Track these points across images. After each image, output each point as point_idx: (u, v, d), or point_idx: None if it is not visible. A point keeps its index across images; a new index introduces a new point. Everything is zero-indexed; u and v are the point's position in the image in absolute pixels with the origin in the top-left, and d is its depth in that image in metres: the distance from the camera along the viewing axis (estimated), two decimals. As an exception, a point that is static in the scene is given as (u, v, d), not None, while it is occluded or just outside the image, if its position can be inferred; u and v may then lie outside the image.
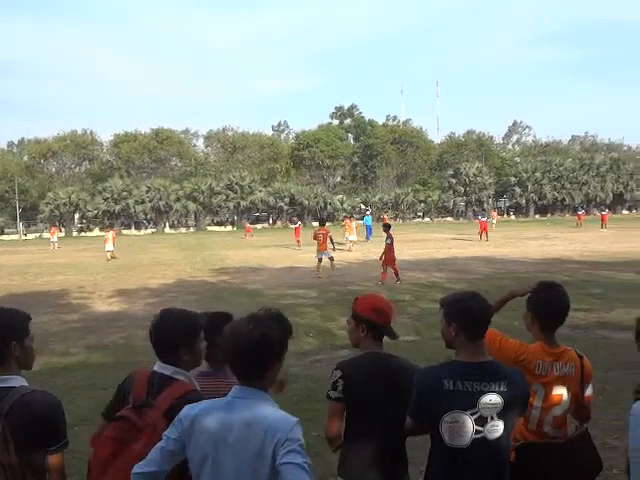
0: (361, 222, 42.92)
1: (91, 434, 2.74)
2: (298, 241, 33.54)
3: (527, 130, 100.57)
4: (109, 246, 29.15)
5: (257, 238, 44.32)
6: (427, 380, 2.77)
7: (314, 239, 21.12)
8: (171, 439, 2.27)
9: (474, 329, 2.77)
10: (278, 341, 2.30)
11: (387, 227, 19.07)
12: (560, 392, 3.15)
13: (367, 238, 37.46)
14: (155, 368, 2.74)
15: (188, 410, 2.30)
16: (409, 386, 2.90)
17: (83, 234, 66.22)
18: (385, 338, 3.14)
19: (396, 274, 17.40)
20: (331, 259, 20.40)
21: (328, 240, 20.78)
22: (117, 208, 67.77)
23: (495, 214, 54.40)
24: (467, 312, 2.78)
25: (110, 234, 30.02)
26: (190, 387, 2.70)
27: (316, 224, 65.49)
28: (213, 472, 2.21)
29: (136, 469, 2.27)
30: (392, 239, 18.04)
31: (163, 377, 2.68)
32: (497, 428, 2.68)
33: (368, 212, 48.57)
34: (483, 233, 35.37)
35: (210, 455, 2.21)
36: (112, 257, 28.81)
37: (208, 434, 2.22)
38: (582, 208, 62.99)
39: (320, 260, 20.12)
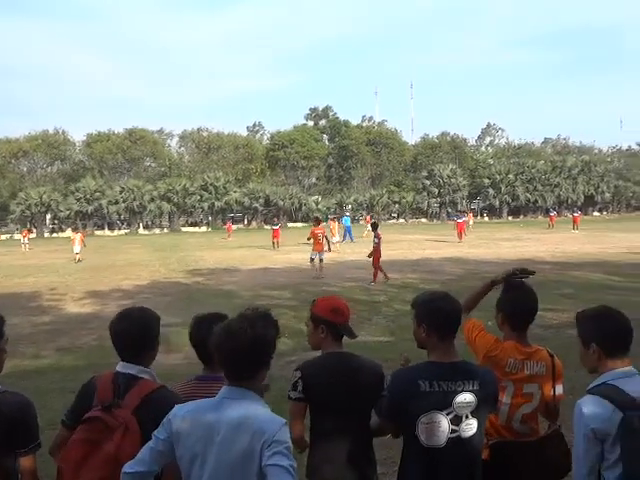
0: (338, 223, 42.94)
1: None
2: (278, 242, 33.21)
3: (500, 132, 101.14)
4: (76, 248, 28.93)
5: (232, 239, 44.05)
6: (402, 382, 2.77)
7: (309, 238, 21.10)
8: (160, 439, 2.25)
9: (445, 329, 2.79)
10: (270, 341, 2.30)
11: (375, 226, 19.13)
12: (530, 390, 3.20)
13: (343, 238, 37.48)
14: (118, 369, 2.71)
15: (177, 410, 2.28)
16: (370, 384, 2.92)
17: (55, 235, 65.05)
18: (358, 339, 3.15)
19: (374, 275, 17.48)
20: (321, 261, 20.16)
21: (324, 241, 20.73)
22: (90, 208, 66.68)
23: (471, 216, 54.63)
24: (438, 313, 2.79)
25: (78, 236, 29.75)
26: (157, 385, 2.68)
27: (292, 225, 65.76)
28: (202, 472, 2.19)
29: (126, 469, 2.25)
30: (379, 239, 18.11)
31: (128, 377, 2.66)
32: (471, 426, 2.71)
33: (347, 213, 48.63)
34: (460, 234, 35.52)
35: (199, 455, 2.20)
36: (79, 259, 28.55)
37: (197, 434, 2.20)
38: (554, 210, 63.63)
39: (312, 259, 20.12)
